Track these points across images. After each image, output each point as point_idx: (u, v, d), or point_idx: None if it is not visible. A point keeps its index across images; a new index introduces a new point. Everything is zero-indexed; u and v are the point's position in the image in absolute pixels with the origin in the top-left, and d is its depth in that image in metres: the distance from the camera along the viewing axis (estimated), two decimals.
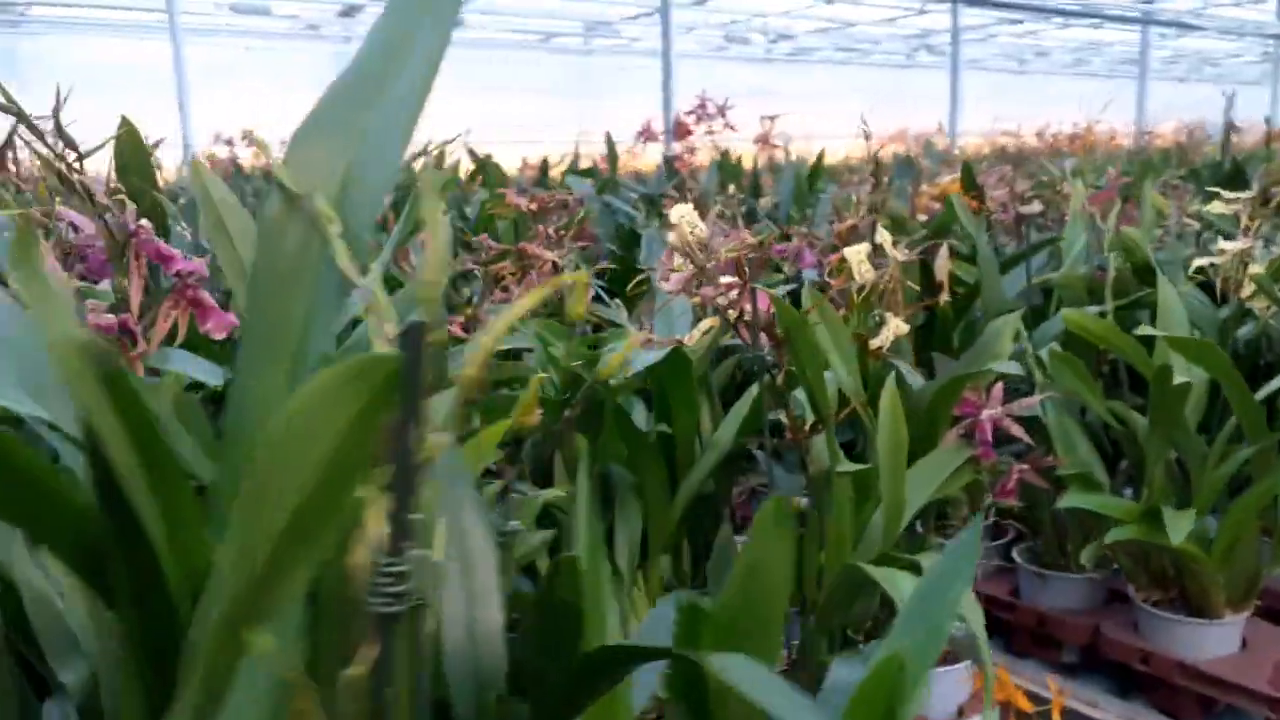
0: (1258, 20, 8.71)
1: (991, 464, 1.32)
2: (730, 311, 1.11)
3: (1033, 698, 1.36)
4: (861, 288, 1.35)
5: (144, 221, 0.91)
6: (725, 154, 3.39)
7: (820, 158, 3.19)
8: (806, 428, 1.13)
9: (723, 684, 0.42)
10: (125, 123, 1.57)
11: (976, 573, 1.63)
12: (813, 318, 1.27)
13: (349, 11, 9.46)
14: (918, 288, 1.81)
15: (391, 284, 1.54)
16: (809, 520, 1.16)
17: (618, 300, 1.94)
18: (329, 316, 0.58)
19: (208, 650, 0.40)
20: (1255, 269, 1.60)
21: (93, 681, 0.62)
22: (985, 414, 1.29)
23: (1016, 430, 1.31)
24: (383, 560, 0.38)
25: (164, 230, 1.60)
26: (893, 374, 1.15)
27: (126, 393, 0.39)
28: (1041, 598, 1.56)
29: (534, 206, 1.68)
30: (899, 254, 1.38)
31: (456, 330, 1.50)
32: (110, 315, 0.92)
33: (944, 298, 1.79)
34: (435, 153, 3.25)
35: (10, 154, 1.39)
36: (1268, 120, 4.01)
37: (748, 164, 3.51)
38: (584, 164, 3.91)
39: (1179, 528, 1.23)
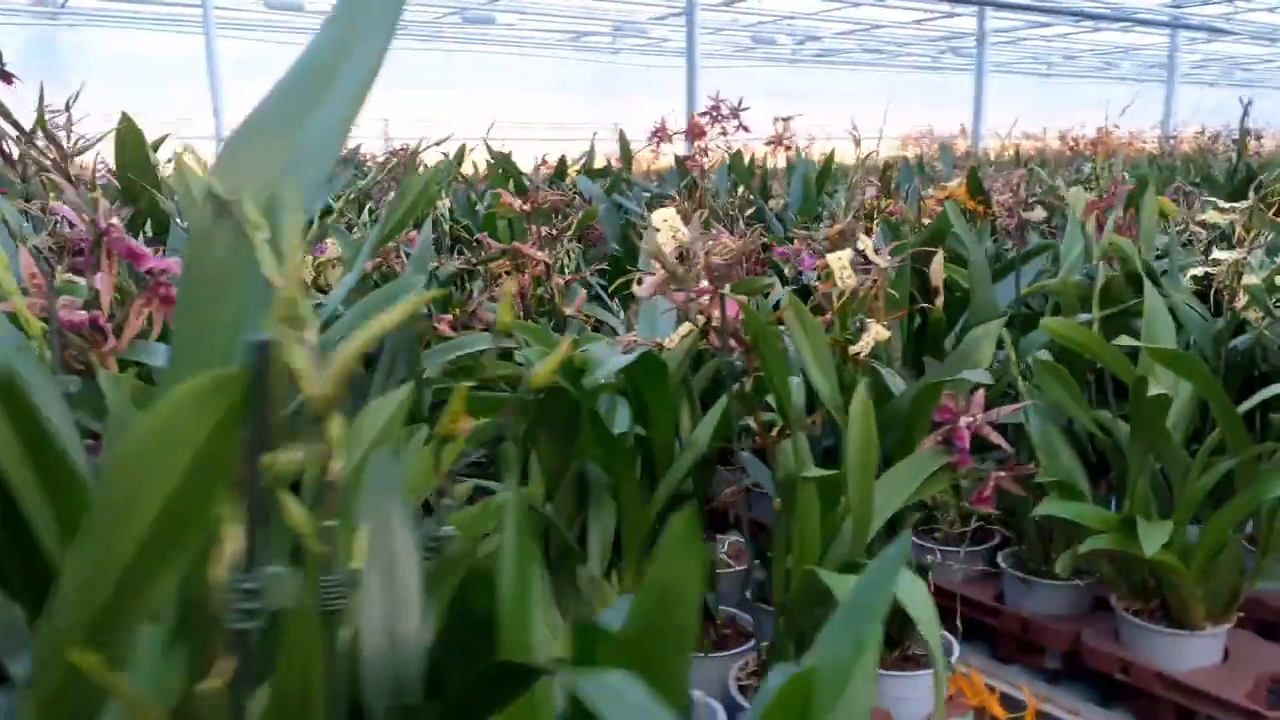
0: None
1: (972, 470, 1.32)
2: (700, 317, 1.12)
3: (1015, 704, 1.36)
4: (842, 293, 1.35)
5: (115, 220, 0.93)
6: (738, 154, 3.39)
7: (830, 159, 3.19)
8: (774, 433, 1.13)
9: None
10: (125, 118, 1.61)
11: (959, 576, 1.63)
12: (791, 324, 1.28)
13: None
14: (914, 292, 1.81)
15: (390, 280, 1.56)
16: (778, 524, 1.17)
17: (617, 301, 1.95)
18: (257, 322, 0.60)
19: (53, 664, 0.41)
20: (1250, 279, 1.59)
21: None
22: (963, 421, 1.29)
23: (995, 438, 1.31)
24: (238, 576, 0.39)
25: (163, 226, 1.63)
26: (863, 381, 1.16)
27: (20, 406, 0.40)
28: (1025, 603, 1.56)
29: (527, 208, 1.70)
30: (881, 260, 1.38)
31: (445, 329, 1.52)
32: (83, 311, 0.95)
33: (939, 303, 1.79)
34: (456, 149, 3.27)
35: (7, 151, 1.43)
36: None
37: (774, 164, 3.52)
38: (604, 163, 3.92)
39: (1153, 539, 1.22)
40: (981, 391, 1.32)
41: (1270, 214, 1.64)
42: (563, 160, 3.79)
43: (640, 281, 1.16)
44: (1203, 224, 2.31)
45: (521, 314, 1.68)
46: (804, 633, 1.23)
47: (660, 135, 3.59)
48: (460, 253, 2.05)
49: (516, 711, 0.60)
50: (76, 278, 1.01)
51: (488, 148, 3.70)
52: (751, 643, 1.34)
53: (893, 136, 6.80)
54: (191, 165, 0.86)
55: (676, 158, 3.21)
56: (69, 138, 1.56)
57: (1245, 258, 1.61)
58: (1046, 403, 1.48)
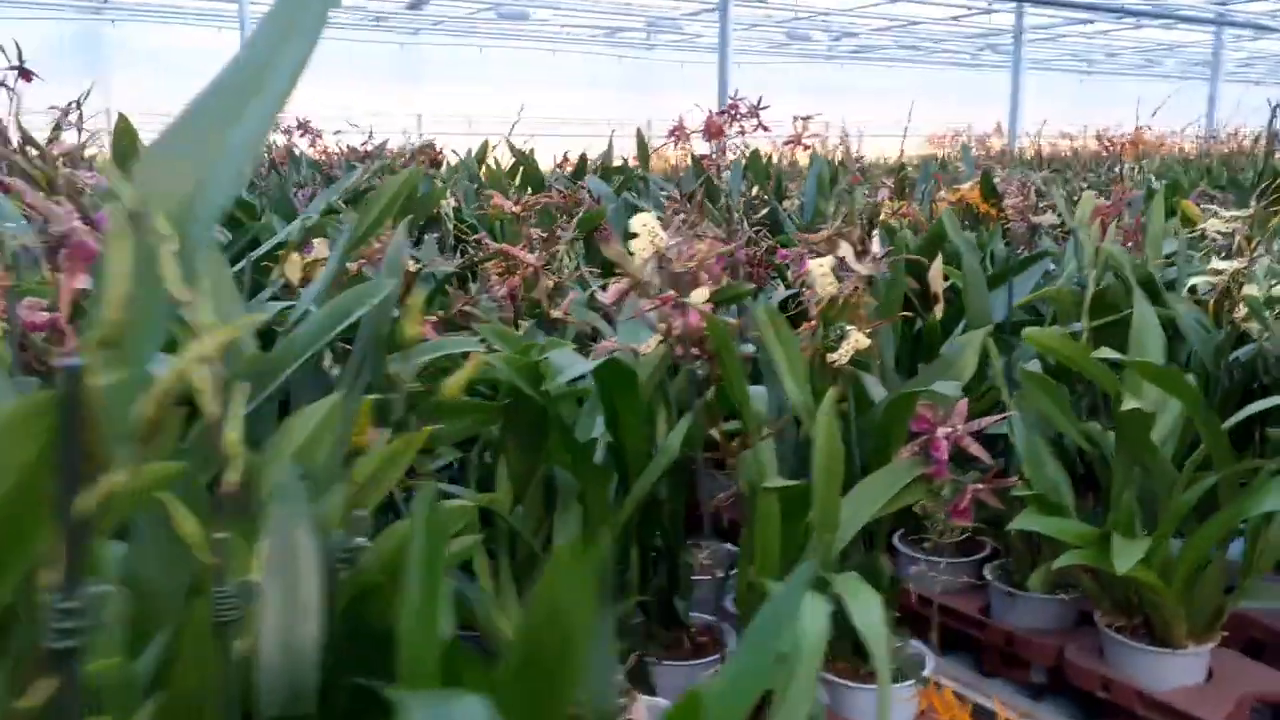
0: None
1: (951, 482, 1.30)
2: (662, 325, 1.11)
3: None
4: (821, 300, 1.34)
5: (76, 222, 0.95)
6: (755, 154, 3.38)
7: (835, 160, 3.17)
8: (733, 443, 1.13)
9: None
10: (121, 118, 1.63)
11: (940, 588, 1.61)
12: (765, 331, 1.27)
13: (416, 4, 9.61)
14: (914, 298, 1.79)
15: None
16: (742, 535, 1.17)
17: None
18: (158, 334, 0.60)
19: None
20: (1250, 290, 1.55)
21: None
22: (940, 431, 1.27)
23: (976, 449, 1.29)
24: (56, 599, 0.39)
25: None
26: (830, 391, 1.15)
27: None
28: (1010, 617, 1.54)
29: (518, 210, 1.70)
30: (862, 267, 1.37)
31: (428, 330, 1.52)
32: (44, 313, 0.96)
33: (939, 309, 1.77)
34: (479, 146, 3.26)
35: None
36: None
37: (803, 163, 3.49)
38: (626, 161, 3.90)
39: (1127, 556, 1.20)
40: (964, 401, 1.30)
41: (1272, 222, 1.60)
42: (583, 158, 3.79)
43: (605, 287, 1.16)
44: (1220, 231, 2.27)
45: (513, 316, 1.68)
46: None
47: (678, 134, 3.59)
48: (463, 253, 2.06)
49: None
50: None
51: (509, 145, 3.71)
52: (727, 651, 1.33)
53: (926, 134, 6.73)
54: (112, 171, 0.87)
55: (692, 156, 3.20)
56: (79, 135, 1.58)
57: (1247, 267, 1.58)
58: (1034, 414, 1.45)
